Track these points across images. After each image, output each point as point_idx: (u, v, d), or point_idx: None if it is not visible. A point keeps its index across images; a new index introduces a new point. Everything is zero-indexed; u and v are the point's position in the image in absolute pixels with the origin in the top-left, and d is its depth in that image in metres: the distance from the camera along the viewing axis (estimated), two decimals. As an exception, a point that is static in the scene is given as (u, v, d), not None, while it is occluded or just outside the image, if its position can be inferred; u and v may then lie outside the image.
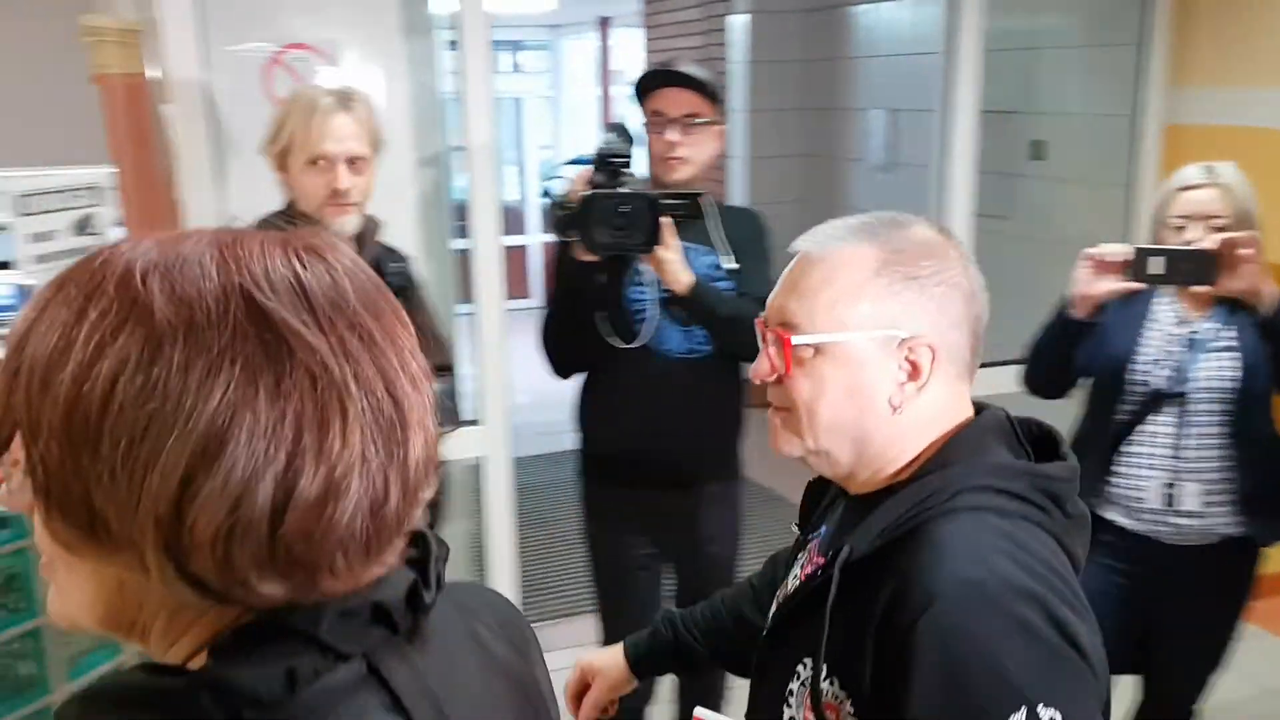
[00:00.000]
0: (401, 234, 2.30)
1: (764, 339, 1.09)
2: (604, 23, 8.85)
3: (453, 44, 2.92)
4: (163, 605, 0.60)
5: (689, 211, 2.11)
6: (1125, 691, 2.32)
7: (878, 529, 0.99)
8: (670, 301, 2.14)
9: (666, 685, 2.42)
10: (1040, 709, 0.87)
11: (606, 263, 2.12)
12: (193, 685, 0.57)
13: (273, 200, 2.06)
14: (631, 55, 7.90)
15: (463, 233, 3.05)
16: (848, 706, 0.98)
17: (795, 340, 1.04)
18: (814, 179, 5.49)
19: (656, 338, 2.18)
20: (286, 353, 0.56)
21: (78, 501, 0.56)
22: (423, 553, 0.68)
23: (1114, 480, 2.14)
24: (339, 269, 0.61)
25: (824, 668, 1.01)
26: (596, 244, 2.05)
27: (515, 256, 8.50)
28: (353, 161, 1.98)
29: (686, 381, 2.20)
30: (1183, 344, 2.09)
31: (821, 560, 1.06)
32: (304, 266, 0.60)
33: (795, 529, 1.27)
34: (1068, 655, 0.91)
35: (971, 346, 1.07)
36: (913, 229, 1.07)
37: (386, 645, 0.63)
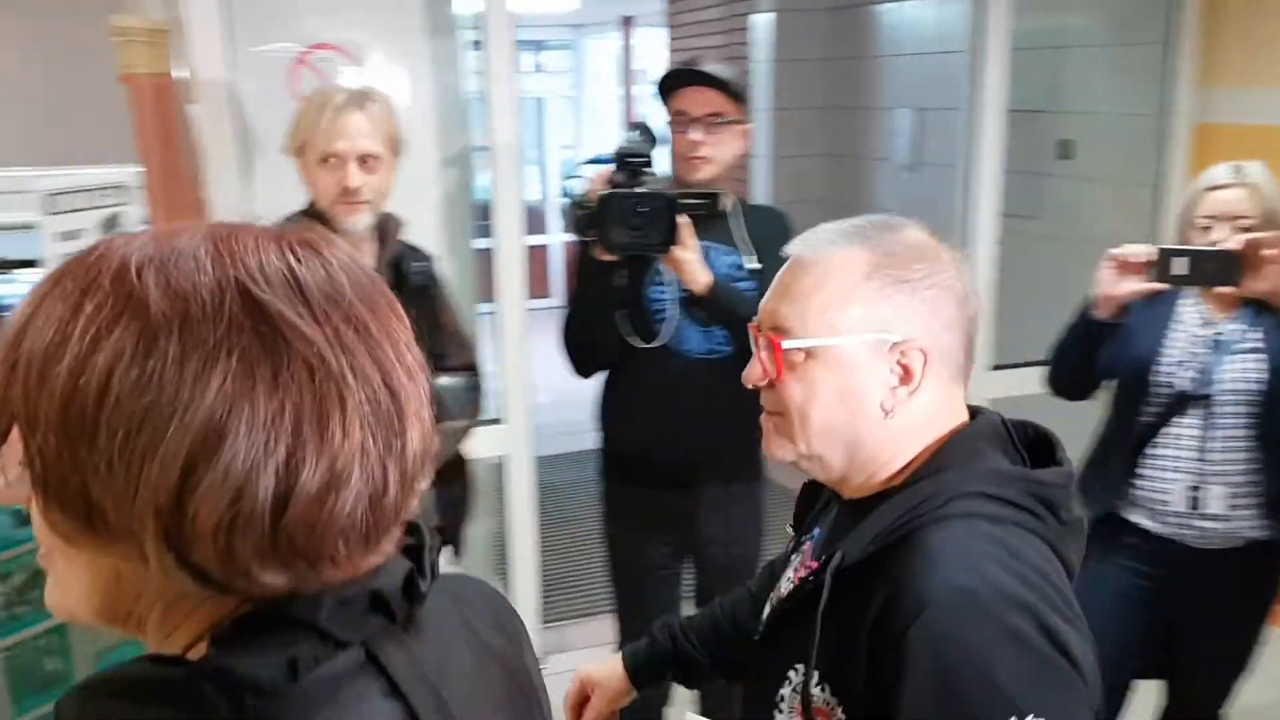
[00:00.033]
0: (424, 233, 2.31)
1: (756, 343, 1.10)
2: (626, 22, 8.84)
3: (476, 44, 2.93)
4: (159, 596, 0.61)
5: (708, 211, 2.11)
6: (1149, 696, 2.31)
7: (871, 535, 0.99)
8: (689, 302, 2.14)
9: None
10: (1031, 719, 0.87)
11: (626, 262, 2.12)
12: (195, 675, 0.58)
13: (298, 199, 2.08)
14: (654, 54, 7.89)
15: (484, 232, 3.06)
16: (839, 713, 0.98)
17: (786, 345, 1.05)
18: (838, 178, 5.46)
19: (677, 338, 2.18)
20: (283, 345, 0.56)
21: (75, 493, 0.57)
22: (418, 542, 0.69)
23: (1138, 483, 2.12)
24: (334, 263, 0.62)
25: (815, 674, 1.01)
26: (614, 243, 2.05)
27: (536, 256, 8.52)
28: (364, 160, 1.98)
29: (706, 382, 2.19)
30: (1208, 345, 2.07)
31: (815, 565, 1.06)
32: (298, 260, 0.60)
33: (790, 530, 1.27)
34: (1059, 664, 0.91)
35: (965, 349, 1.06)
36: (904, 232, 1.07)
37: (384, 633, 0.64)
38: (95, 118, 2.65)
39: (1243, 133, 3.28)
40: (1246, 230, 2.00)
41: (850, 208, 5.10)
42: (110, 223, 2.29)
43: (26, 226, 2.04)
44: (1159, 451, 2.10)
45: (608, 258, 2.08)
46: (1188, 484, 2.07)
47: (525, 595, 3.22)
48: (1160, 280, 2.03)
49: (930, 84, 4.65)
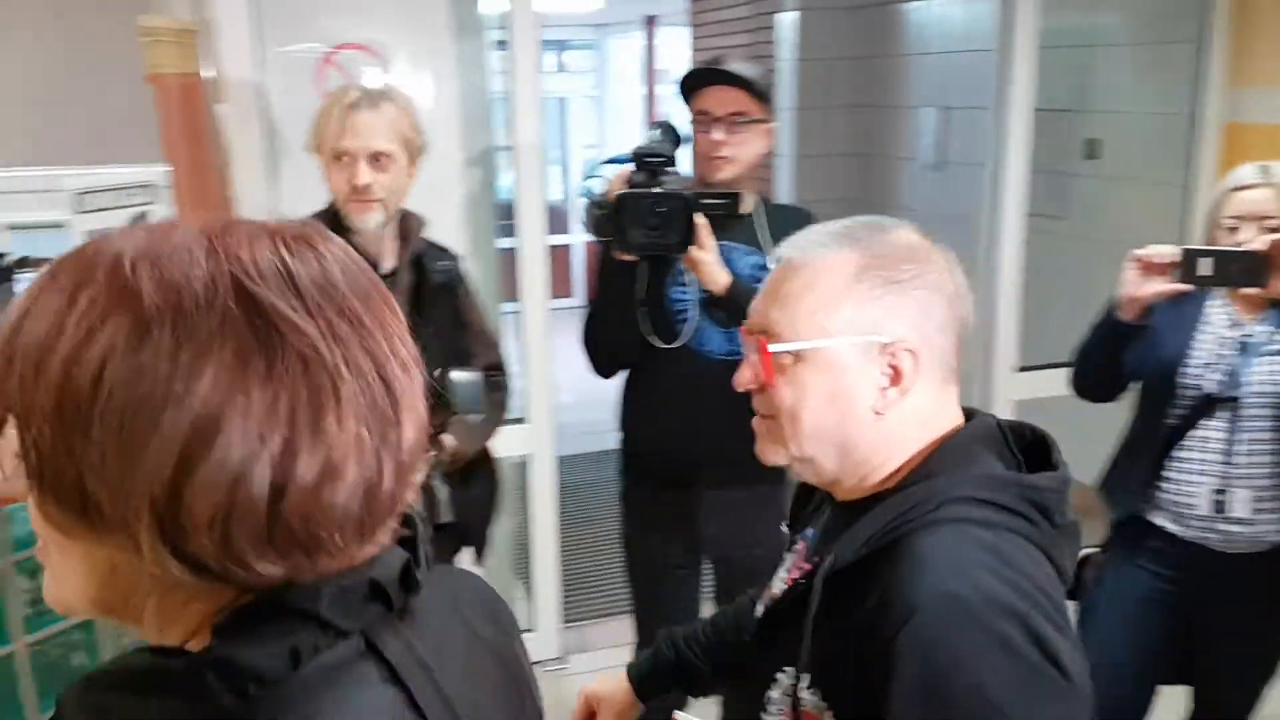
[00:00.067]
0: (447, 233, 2.32)
1: (746, 346, 1.10)
2: (650, 21, 8.84)
3: (501, 44, 2.94)
4: (155, 587, 0.61)
5: (727, 211, 2.10)
6: (1175, 702, 2.28)
7: (862, 538, 0.98)
8: (708, 302, 2.14)
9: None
10: None
11: (646, 262, 2.12)
12: (197, 665, 0.58)
13: (323, 198, 2.09)
14: (678, 54, 7.89)
15: (507, 232, 3.07)
16: (828, 717, 0.98)
17: (774, 348, 1.05)
18: (863, 178, 5.45)
19: (697, 338, 2.18)
20: (277, 337, 0.57)
21: (70, 484, 0.57)
22: (412, 533, 0.69)
23: (1163, 485, 2.10)
24: (328, 257, 0.62)
25: (805, 678, 1.00)
26: (631, 244, 2.05)
27: (559, 256, 8.53)
28: (376, 158, 1.98)
29: (727, 383, 2.17)
30: (1235, 347, 2.05)
31: (808, 566, 1.05)
32: (291, 254, 0.61)
33: (785, 529, 1.27)
34: (1048, 673, 0.90)
35: (956, 350, 1.06)
36: (895, 233, 1.07)
37: (382, 621, 0.65)
38: (123, 117, 2.68)
39: (1272, 133, 3.25)
40: (1273, 231, 1.98)
41: (875, 207, 5.09)
42: (138, 221, 2.31)
43: (56, 225, 2.07)
44: (1184, 454, 2.08)
45: (627, 258, 2.08)
46: (1213, 487, 2.05)
47: (546, 594, 3.23)
48: (1185, 281, 2.01)
49: (956, 83, 4.62)
